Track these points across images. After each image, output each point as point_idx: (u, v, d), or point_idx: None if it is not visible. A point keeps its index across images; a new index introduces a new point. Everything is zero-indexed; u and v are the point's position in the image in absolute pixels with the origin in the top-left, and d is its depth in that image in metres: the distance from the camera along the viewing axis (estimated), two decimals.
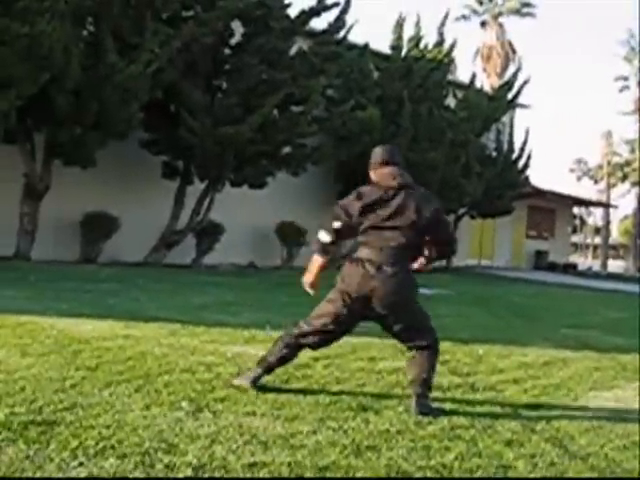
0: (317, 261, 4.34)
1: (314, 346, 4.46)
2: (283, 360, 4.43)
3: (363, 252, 4.24)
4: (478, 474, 3.26)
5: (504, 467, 3.39)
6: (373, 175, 4.45)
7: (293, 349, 4.41)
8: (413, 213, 4.19)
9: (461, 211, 20.64)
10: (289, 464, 3.17)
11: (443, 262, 20.78)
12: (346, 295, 4.20)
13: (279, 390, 4.45)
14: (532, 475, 3.31)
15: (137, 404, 3.91)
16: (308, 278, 4.38)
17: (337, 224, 4.23)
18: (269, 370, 4.42)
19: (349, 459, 3.30)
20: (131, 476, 2.91)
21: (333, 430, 3.71)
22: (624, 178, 52.79)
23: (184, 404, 3.96)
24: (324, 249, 4.30)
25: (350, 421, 3.89)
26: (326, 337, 4.37)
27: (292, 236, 16.11)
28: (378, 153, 4.51)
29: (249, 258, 16.21)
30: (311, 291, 4.40)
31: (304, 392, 4.45)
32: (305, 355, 5.55)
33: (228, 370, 4.88)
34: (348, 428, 3.76)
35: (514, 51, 45.22)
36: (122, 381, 4.37)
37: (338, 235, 4.26)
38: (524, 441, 3.83)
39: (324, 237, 4.28)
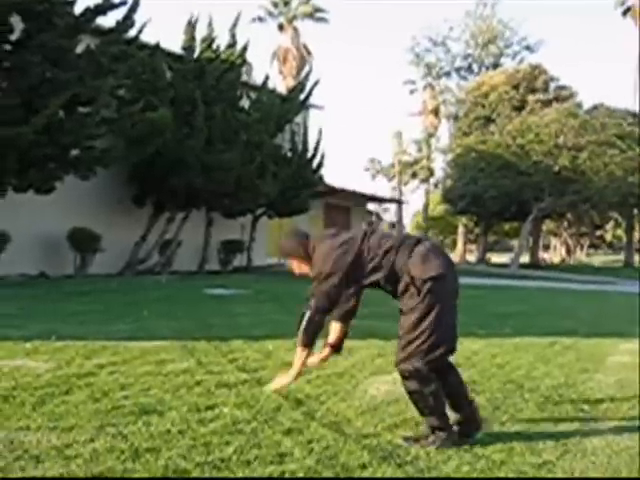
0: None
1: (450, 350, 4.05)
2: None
3: None
4: (255, 464, 3.35)
5: (281, 455, 3.51)
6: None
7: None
8: None
9: (258, 211, 20.95)
10: (61, 475, 3.08)
11: (243, 262, 21.00)
12: None
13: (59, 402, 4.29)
14: (308, 460, 3.45)
15: None
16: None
17: None
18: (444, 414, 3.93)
19: (126, 464, 3.26)
20: None
21: (112, 436, 3.65)
22: (414, 175, 56.25)
23: None
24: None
25: (131, 425, 3.84)
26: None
27: (85, 242, 15.48)
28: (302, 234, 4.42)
29: (39, 267, 15.38)
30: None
31: (85, 401, 4.33)
32: (90, 363, 5.42)
33: (3, 385, 4.62)
34: (128, 433, 3.71)
35: (309, 53, 46.59)
36: None
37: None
38: (303, 429, 3.98)
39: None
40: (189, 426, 3.88)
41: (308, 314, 3.94)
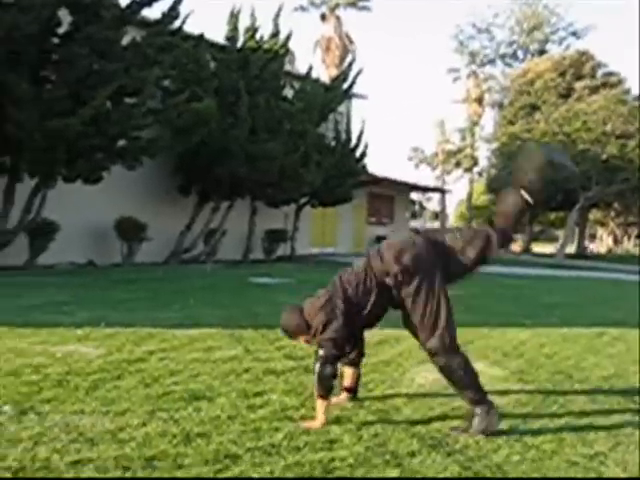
0: None
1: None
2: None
3: None
4: (305, 450, 3.37)
5: (331, 442, 3.53)
6: None
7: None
8: None
9: (302, 200, 20.98)
10: (116, 458, 3.15)
11: (287, 251, 21.09)
12: None
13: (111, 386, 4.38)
14: (357, 447, 3.47)
15: None
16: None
17: None
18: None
19: (178, 447, 3.32)
20: None
21: (163, 421, 3.71)
22: (457, 165, 55.71)
23: (6, 408, 3.81)
24: None
25: (181, 411, 3.90)
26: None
27: (132, 231, 15.70)
28: None
29: (88, 256, 15.65)
30: None
31: (136, 386, 4.40)
32: (140, 349, 5.51)
33: (57, 370, 4.72)
34: (179, 417, 3.77)
35: (351, 42, 46.39)
36: None
37: None
38: (352, 416, 4.00)
39: None
40: (239, 412, 3.93)
41: (318, 366, 3.84)
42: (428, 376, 5.14)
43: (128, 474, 3.00)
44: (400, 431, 3.77)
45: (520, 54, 49.55)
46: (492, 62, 50.82)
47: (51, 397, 4.08)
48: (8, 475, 2.91)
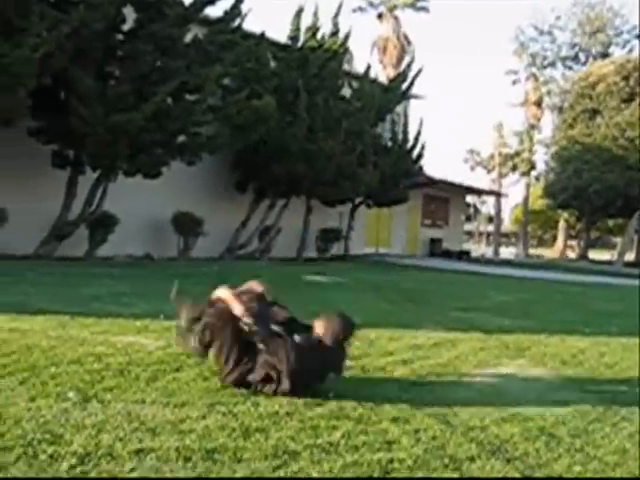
0: None
1: None
2: None
3: None
4: (363, 450, 3.37)
5: (389, 443, 3.51)
6: None
7: None
8: None
9: (357, 200, 20.97)
10: (177, 449, 3.19)
11: (341, 250, 21.10)
12: None
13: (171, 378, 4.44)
14: (415, 449, 3.44)
15: (21, 396, 3.81)
16: None
17: None
18: None
19: (237, 441, 3.34)
20: (12, 468, 2.85)
21: (223, 414, 3.74)
22: (514, 168, 54.89)
23: (71, 395, 3.90)
24: None
25: (240, 405, 3.93)
26: None
27: (188, 226, 15.92)
28: None
29: (145, 249, 15.93)
30: None
31: (195, 379, 4.46)
32: None
33: (118, 360, 4.82)
34: (238, 412, 3.80)
35: (409, 43, 46.12)
36: (5, 374, 4.24)
37: None
38: (409, 418, 3.97)
39: None
40: (296, 409, 3.94)
41: None
42: (485, 380, 5.08)
43: (189, 465, 3.03)
44: (458, 435, 3.74)
45: (582, 57, 48.57)
46: (553, 64, 49.93)
47: (113, 386, 4.16)
48: (74, 460, 2.97)
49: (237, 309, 4.29)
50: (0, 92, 11.15)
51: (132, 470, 2.94)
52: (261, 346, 4.14)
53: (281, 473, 3.02)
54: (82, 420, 3.49)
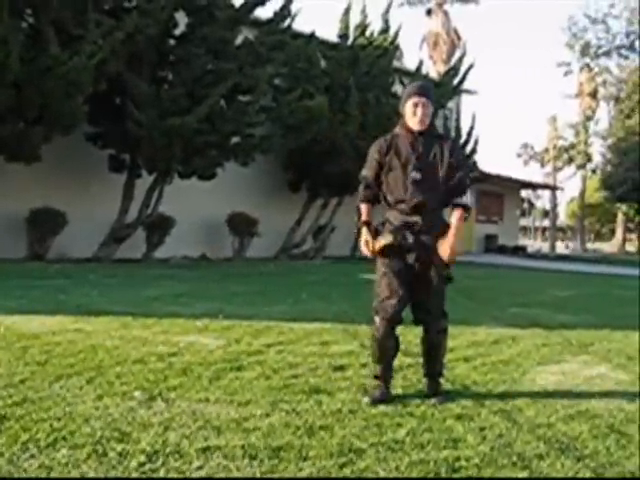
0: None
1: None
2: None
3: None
4: (429, 448, 3.33)
5: (454, 440, 3.46)
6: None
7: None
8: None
9: None
10: (243, 447, 3.20)
11: None
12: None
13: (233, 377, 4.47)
14: (482, 447, 3.39)
15: (89, 395, 3.89)
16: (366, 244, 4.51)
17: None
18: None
19: (302, 439, 3.34)
20: (84, 465, 2.90)
21: (286, 412, 3.75)
22: (570, 161, 53.80)
23: (137, 394, 3.95)
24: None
25: (303, 403, 3.93)
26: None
27: (243, 226, 16.07)
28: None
29: (201, 250, 16.13)
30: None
31: (257, 378, 4.48)
32: (258, 342, 5.60)
33: (181, 359, 4.87)
34: (301, 410, 3.80)
35: (459, 38, 45.61)
36: (73, 374, 4.33)
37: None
38: (474, 415, 3.91)
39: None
40: (359, 406, 3.92)
41: None
42: (549, 377, 4.99)
43: (255, 463, 3.04)
44: (525, 432, 3.67)
45: (637, 45, 47.34)
46: (607, 54, 48.75)
47: (177, 385, 4.20)
48: (142, 457, 3.01)
49: None
50: (59, 100, 11.42)
51: (199, 468, 2.96)
52: None
53: (347, 471, 3.00)
54: (148, 418, 3.54)
